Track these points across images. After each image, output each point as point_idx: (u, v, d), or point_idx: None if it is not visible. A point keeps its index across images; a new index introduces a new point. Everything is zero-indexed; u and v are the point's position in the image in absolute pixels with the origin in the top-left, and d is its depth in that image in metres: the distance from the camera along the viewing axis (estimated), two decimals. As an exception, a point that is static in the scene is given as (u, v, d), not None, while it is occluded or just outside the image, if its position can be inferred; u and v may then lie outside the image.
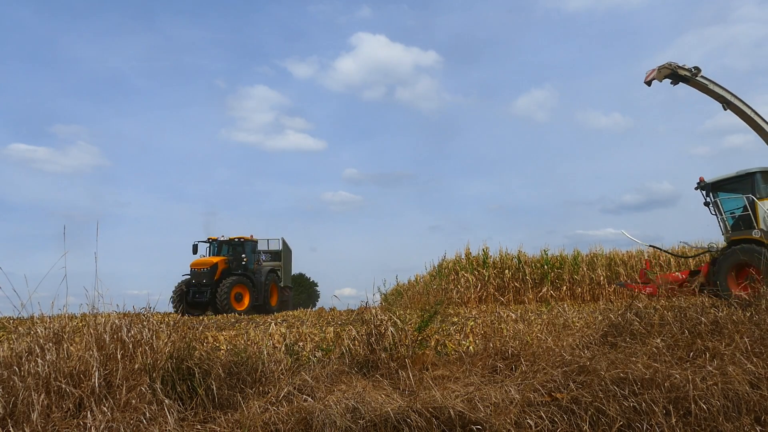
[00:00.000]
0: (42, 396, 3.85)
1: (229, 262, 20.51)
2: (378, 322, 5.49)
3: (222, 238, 21.38)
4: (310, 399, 4.08)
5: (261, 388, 4.58)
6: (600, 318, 6.72)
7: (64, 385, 4.00)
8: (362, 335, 5.53)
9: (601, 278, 20.66)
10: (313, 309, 21.83)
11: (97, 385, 4.02)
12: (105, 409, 3.82)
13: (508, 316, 9.55)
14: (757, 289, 10.58)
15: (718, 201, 12.83)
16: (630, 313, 5.64)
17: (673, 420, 3.41)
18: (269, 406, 3.96)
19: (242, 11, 70.52)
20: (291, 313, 17.94)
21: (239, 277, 20.05)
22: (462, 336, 7.83)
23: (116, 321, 4.77)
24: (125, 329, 4.64)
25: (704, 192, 12.96)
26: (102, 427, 3.61)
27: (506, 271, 20.36)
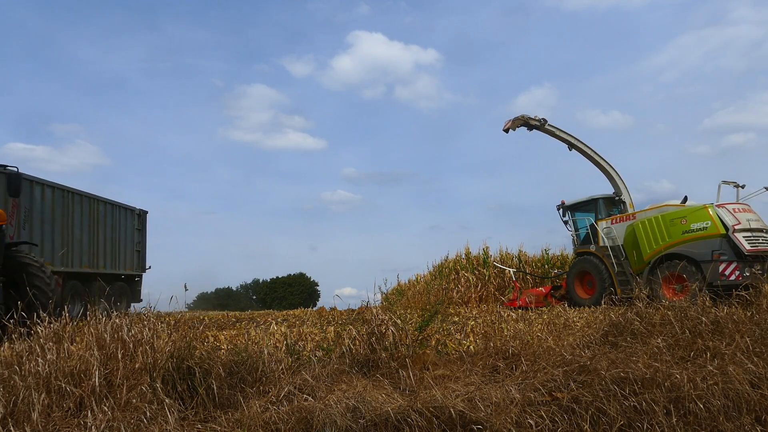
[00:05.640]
0: (42, 395, 3.85)
1: None
2: (379, 322, 5.49)
3: None
4: (310, 398, 4.08)
5: (261, 388, 4.57)
6: (601, 317, 6.72)
7: (64, 385, 4.00)
8: (363, 335, 5.53)
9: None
10: (314, 308, 21.64)
11: (97, 384, 4.02)
12: (105, 408, 3.81)
13: (508, 315, 9.55)
14: (595, 291, 13.77)
15: (575, 220, 15.51)
16: (631, 312, 5.64)
17: (674, 419, 3.41)
18: (270, 406, 3.96)
19: (241, 10, 70.47)
20: (291, 312, 17.90)
21: None
22: (462, 335, 7.83)
23: (117, 320, 4.78)
24: (126, 329, 4.65)
25: (561, 212, 15.61)
26: (102, 426, 3.61)
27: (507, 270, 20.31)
